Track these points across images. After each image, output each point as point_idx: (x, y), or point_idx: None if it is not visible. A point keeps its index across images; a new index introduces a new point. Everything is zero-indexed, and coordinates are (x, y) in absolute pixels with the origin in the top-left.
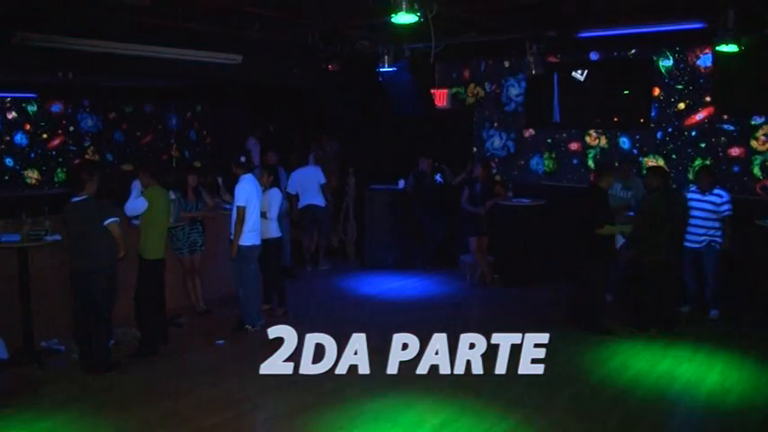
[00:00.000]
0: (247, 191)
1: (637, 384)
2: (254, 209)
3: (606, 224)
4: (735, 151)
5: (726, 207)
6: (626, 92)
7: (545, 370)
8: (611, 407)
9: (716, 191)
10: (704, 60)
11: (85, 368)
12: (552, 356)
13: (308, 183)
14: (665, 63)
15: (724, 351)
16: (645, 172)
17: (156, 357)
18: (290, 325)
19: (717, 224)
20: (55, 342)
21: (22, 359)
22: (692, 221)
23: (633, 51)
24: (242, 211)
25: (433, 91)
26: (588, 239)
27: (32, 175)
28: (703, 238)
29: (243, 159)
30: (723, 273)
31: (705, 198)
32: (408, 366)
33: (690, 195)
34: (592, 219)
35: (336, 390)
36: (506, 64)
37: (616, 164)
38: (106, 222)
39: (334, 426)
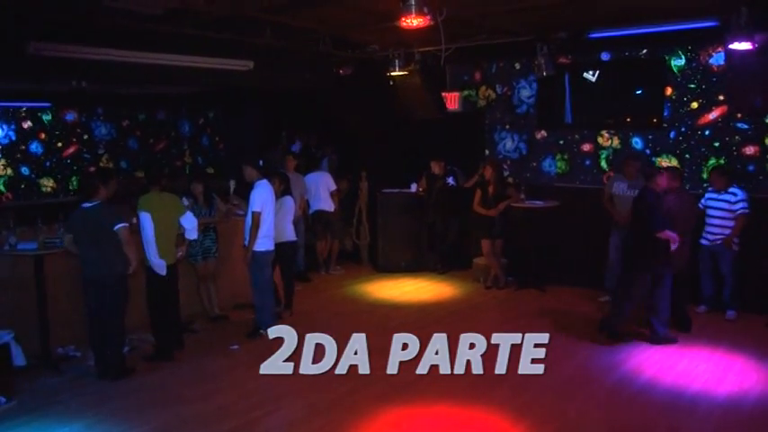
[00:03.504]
0: (263, 196)
1: (653, 386)
2: (269, 214)
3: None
4: (749, 150)
5: (740, 205)
6: (638, 92)
7: (559, 373)
8: (627, 409)
9: (731, 189)
10: (717, 59)
11: (101, 374)
12: (566, 359)
13: (317, 188)
14: (678, 62)
15: (741, 352)
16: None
17: (170, 363)
18: (302, 329)
19: (732, 223)
20: (71, 348)
21: (39, 365)
22: (709, 220)
23: (645, 51)
24: (257, 217)
25: (444, 94)
26: (647, 245)
27: (48, 184)
28: (719, 237)
29: (261, 163)
30: (740, 273)
31: (721, 197)
32: (420, 370)
33: (707, 195)
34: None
35: (352, 393)
36: (517, 66)
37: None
38: (116, 227)
39: (350, 430)
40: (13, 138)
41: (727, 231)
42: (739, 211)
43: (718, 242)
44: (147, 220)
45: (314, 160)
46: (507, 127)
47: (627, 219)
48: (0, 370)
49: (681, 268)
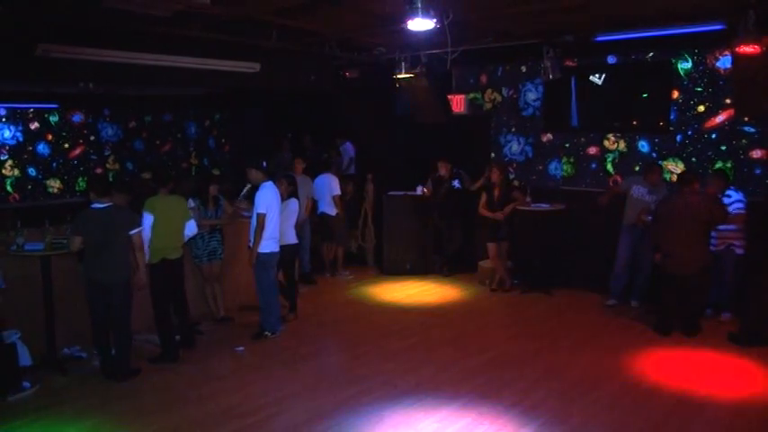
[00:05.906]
0: (267, 198)
1: (659, 390)
2: (274, 216)
3: None
4: (756, 153)
5: (735, 206)
6: (644, 95)
7: (565, 376)
8: (634, 413)
9: (727, 191)
10: (724, 62)
11: (106, 375)
12: (572, 362)
13: (321, 191)
14: (684, 65)
15: (749, 356)
16: (668, 176)
17: (176, 364)
18: (307, 331)
19: (731, 227)
20: (77, 349)
21: (44, 365)
22: None
23: (651, 54)
24: (262, 219)
25: (450, 97)
26: None
27: (54, 185)
28: (720, 240)
29: (264, 165)
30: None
31: None
32: (426, 373)
33: None
34: None
35: (356, 396)
36: (523, 69)
37: (636, 168)
38: (132, 232)
39: None
40: (21, 139)
41: (727, 234)
42: (735, 211)
43: (721, 247)
44: (148, 220)
45: (322, 162)
46: (513, 130)
47: (636, 221)
48: (6, 369)
49: (692, 272)
